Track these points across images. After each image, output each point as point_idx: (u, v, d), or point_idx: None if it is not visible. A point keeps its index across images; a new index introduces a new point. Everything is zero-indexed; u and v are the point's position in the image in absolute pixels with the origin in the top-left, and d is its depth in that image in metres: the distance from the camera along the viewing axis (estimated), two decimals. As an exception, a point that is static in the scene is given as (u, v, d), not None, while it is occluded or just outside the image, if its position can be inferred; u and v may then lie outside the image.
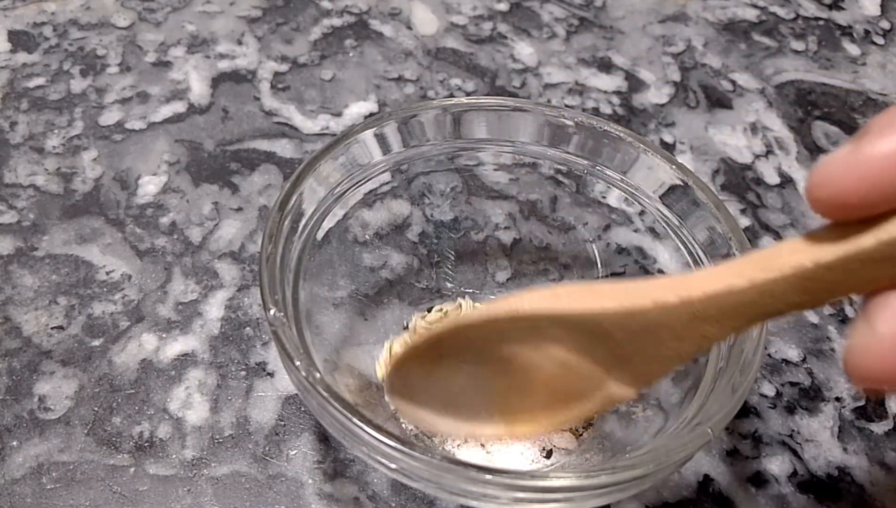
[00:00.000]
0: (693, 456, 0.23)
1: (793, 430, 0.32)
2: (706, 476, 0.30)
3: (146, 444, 0.30)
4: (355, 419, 0.22)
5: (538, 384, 0.23)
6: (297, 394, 0.31)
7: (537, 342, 0.21)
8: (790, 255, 0.17)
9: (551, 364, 0.22)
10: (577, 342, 0.21)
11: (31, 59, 0.45)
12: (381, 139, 0.30)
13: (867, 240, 0.16)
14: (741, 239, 0.27)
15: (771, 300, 0.17)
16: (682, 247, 0.29)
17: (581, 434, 0.30)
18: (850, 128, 0.45)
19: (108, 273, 0.35)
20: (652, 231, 0.31)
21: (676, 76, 0.48)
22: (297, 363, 0.23)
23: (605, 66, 0.48)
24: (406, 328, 0.33)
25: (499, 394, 0.24)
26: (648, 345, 0.20)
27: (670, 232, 0.30)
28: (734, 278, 0.17)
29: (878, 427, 0.32)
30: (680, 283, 0.19)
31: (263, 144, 0.41)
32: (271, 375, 0.32)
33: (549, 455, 0.29)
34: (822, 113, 0.46)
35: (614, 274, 0.32)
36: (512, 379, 0.23)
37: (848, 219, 0.16)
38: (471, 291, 0.34)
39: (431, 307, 0.33)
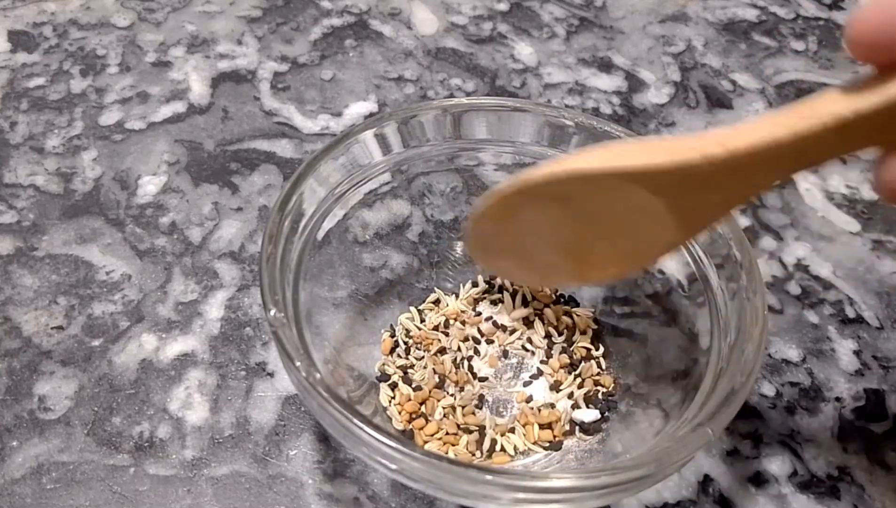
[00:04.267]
0: (693, 457, 0.23)
1: (793, 430, 0.32)
2: (706, 476, 0.30)
3: (146, 444, 0.30)
4: (355, 420, 0.22)
5: (603, 233, 0.24)
6: (297, 394, 0.31)
7: (598, 196, 0.22)
8: (830, 105, 0.17)
9: (613, 215, 0.23)
10: (635, 194, 0.22)
11: (31, 59, 0.45)
12: (382, 139, 0.30)
13: None
14: (741, 239, 0.27)
15: (813, 149, 0.18)
16: (682, 247, 0.29)
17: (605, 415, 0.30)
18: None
19: (107, 273, 0.35)
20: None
21: (676, 76, 0.48)
22: (298, 363, 0.23)
23: (605, 66, 0.48)
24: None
25: (569, 244, 0.26)
26: (699, 195, 0.21)
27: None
28: (778, 129, 0.18)
29: (878, 427, 0.32)
30: (726, 136, 0.19)
31: (263, 145, 0.41)
32: (271, 375, 0.32)
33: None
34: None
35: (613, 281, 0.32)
36: (579, 230, 0.25)
37: (884, 63, 0.17)
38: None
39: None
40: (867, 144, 0.18)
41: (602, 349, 0.32)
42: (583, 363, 0.31)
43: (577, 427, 0.30)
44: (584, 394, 0.30)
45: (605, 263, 0.26)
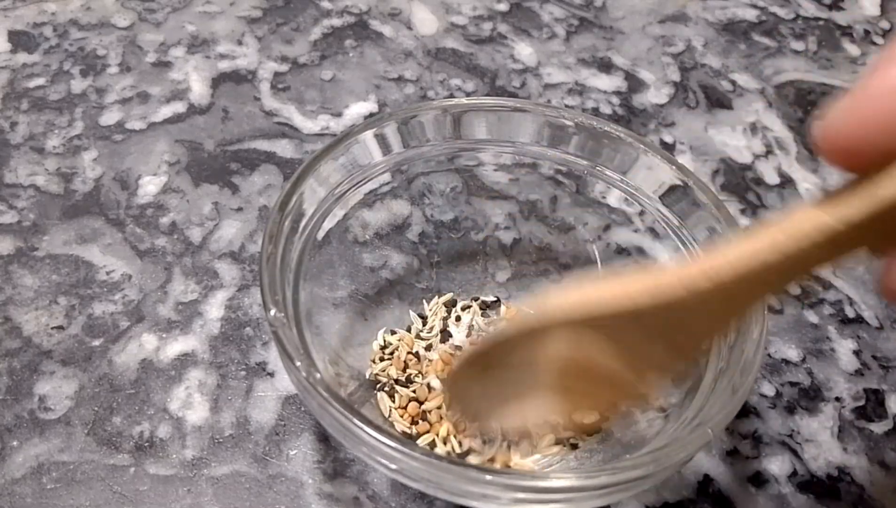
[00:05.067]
0: (693, 457, 0.23)
1: (793, 430, 0.32)
2: (706, 476, 0.30)
3: (146, 444, 0.30)
4: (355, 420, 0.22)
5: (586, 375, 0.23)
6: (297, 394, 0.31)
7: (577, 340, 0.22)
8: (818, 218, 0.17)
9: (596, 355, 0.22)
10: (616, 332, 0.21)
11: (31, 60, 0.45)
12: (382, 140, 0.30)
13: (890, 189, 0.15)
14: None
15: (803, 265, 0.18)
16: (681, 247, 0.29)
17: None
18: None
19: (108, 273, 0.35)
20: (652, 231, 0.31)
21: (676, 76, 0.48)
22: (298, 363, 0.23)
23: (605, 66, 0.48)
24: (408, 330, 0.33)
25: (550, 390, 0.24)
26: (688, 324, 0.20)
27: (670, 232, 0.30)
28: (766, 254, 0.17)
29: (878, 427, 0.32)
30: (711, 265, 0.18)
31: (263, 145, 0.41)
32: (271, 375, 0.32)
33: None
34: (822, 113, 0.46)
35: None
36: (560, 376, 0.23)
37: (865, 167, 0.16)
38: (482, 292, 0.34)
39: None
40: (857, 249, 0.17)
41: None
42: None
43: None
44: None
45: (593, 404, 0.25)
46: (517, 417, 0.25)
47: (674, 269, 0.19)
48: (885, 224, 0.16)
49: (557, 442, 0.29)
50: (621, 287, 0.20)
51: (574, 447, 0.29)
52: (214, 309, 0.34)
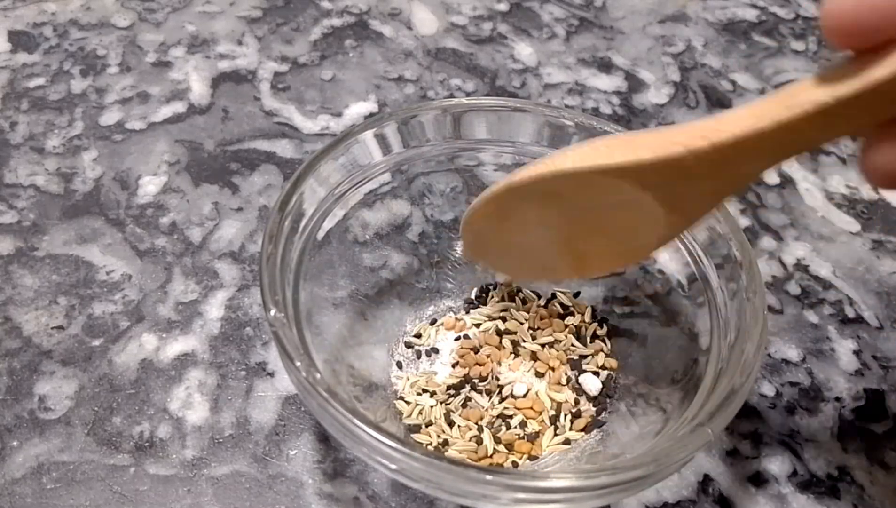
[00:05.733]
0: (693, 457, 0.23)
1: (793, 430, 0.32)
2: (706, 476, 0.30)
3: (146, 444, 0.30)
4: (355, 420, 0.22)
5: (595, 228, 0.25)
6: (297, 394, 0.31)
7: (587, 192, 0.23)
8: (811, 92, 0.17)
9: (604, 211, 0.23)
10: (622, 189, 0.22)
11: (31, 60, 0.45)
12: (382, 140, 0.30)
13: (882, 71, 0.16)
14: (741, 239, 0.27)
15: (796, 137, 0.18)
16: (682, 247, 0.29)
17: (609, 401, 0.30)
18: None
19: (108, 273, 0.35)
20: (652, 231, 0.31)
21: (676, 76, 0.48)
22: (298, 363, 0.23)
23: (605, 66, 0.48)
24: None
25: (563, 241, 0.26)
26: (686, 187, 0.21)
27: (670, 232, 0.30)
28: (759, 120, 0.18)
29: (878, 427, 0.32)
30: (709, 128, 0.19)
31: (263, 145, 0.41)
32: (271, 375, 0.32)
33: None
34: None
35: (614, 274, 0.32)
36: (571, 226, 0.25)
37: (862, 47, 0.17)
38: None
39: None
40: (850, 130, 0.19)
41: (606, 337, 0.32)
42: (592, 343, 0.32)
43: (583, 397, 0.30)
44: (592, 362, 0.31)
45: (600, 258, 0.26)
46: (530, 263, 0.28)
47: (675, 129, 0.20)
48: (872, 104, 0.17)
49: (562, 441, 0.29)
50: (627, 143, 0.21)
51: (568, 441, 0.29)
52: (214, 309, 0.34)
